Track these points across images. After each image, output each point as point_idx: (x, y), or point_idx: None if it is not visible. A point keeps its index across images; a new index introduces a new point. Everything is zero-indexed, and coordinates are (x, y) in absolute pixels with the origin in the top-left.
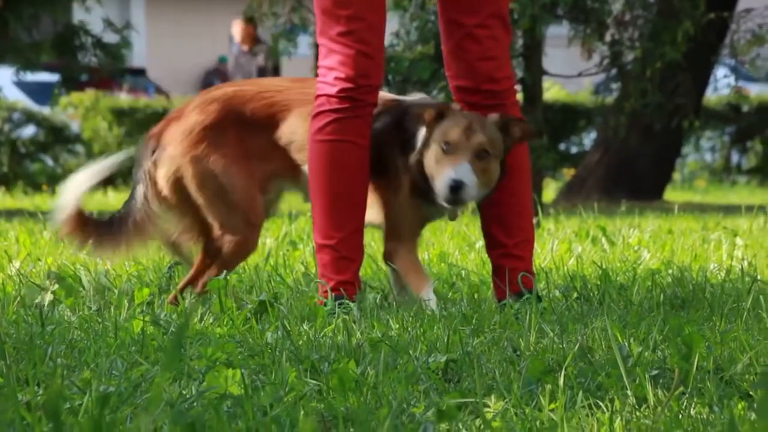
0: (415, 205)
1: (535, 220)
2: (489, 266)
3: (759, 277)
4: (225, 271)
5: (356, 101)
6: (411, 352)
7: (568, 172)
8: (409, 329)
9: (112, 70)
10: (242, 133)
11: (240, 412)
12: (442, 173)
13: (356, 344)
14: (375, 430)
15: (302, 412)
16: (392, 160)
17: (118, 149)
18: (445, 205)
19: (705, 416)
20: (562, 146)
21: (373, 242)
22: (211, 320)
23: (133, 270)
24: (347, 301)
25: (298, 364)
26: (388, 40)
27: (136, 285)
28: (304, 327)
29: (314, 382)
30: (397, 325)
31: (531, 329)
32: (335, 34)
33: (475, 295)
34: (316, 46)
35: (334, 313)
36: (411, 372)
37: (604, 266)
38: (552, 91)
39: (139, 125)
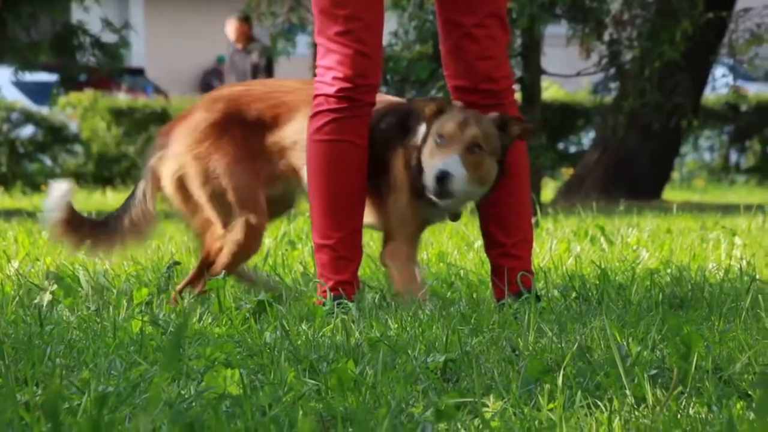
0: (415, 206)
1: (533, 220)
2: (488, 266)
3: (758, 277)
4: (224, 272)
5: (354, 101)
6: (410, 351)
7: (566, 172)
8: (408, 329)
9: (111, 70)
10: (248, 133)
11: (239, 412)
12: (431, 165)
13: (355, 344)
14: (374, 430)
15: (301, 412)
16: (392, 159)
17: (116, 149)
18: (434, 198)
19: (704, 416)
20: (560, 146)
21: (372, 242)
22: (209, 320)
23: (131, 270)
24: (346, 301)
25: (296, 364)
26: (386, 39)
27: (135, 285)
28: (303, 327)
29: (313, 381)
30: (396, 325)
31: (530, 329)
32: (333, 34)
33: (474, 295)
34: (315, 45)
35: (333, 313)
36: (410, 372)
37: (602, 266)
38: (550, 91)
39: (138, 125)
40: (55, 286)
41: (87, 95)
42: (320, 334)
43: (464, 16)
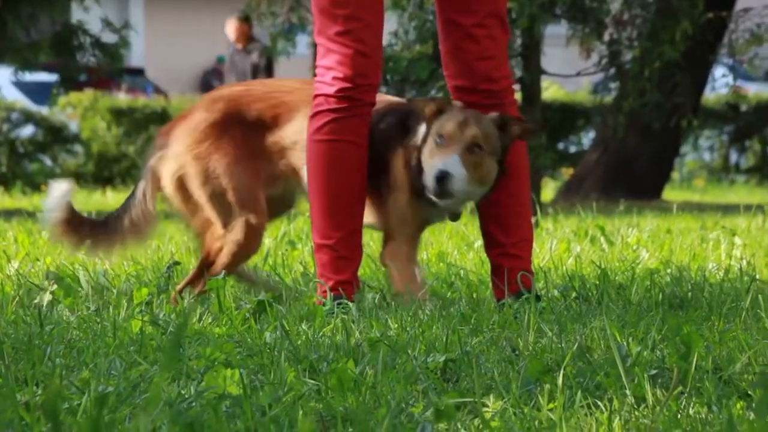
0: (415, 206)
1: (533, 220)
2: (488, 266)
3: (757, 277)
4: (224, 272)
5: (354, 101)
6: (410, 351)
7: (566, 172)
8: (408, 329)
9: (111, 69)
10: (248, 133)
11: (239, 412)
12: (431, 165)
13: (355, 344)
14: (373, 430)
15: (301, 412)
16: (392, 159)
17: (116, 149)
18: (434, 198)
19: (704, 416)
20: (560, 146)
21: (372, 242)
22: (209, 320)
23: (131, 270)
24: (346, 301)
25: (296, 364)
26: (386, 39)
27: (135, 285)
28: (303, 327)
29: (313, 381)
30: (396, 325)
31: (530, 329)
32: (333, 34)
33: (474, 295)
34: (315, 45)
35: (333, 313)
36: (410, 372)
37: (602, 266)
38: (550, 91)
39: (138, 125)
40: (55, 286)
41: (87, 95)
42: (320, 334)
43: (464, 16)
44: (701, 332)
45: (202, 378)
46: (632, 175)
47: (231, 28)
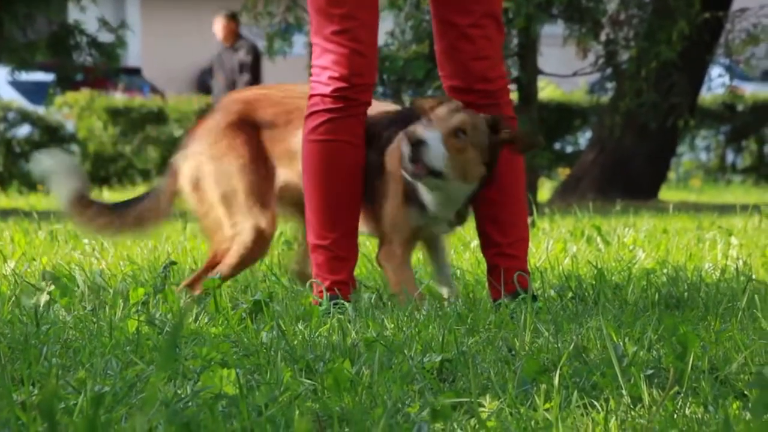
0: (406, 211)
1: (529, 220)
2: (484, 266)
3: (754, 277)
4: (225, 273)
5: (350, 101)
6: (406, 351)
7: (563, 172)
8: (404, 329)
9: (107, 69)
10: (262, 136)
11: (235, 411)
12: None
13: (351, 344)
14: (370, 430)
15: (297, 412)
16: (387, 162)
17: (113, 149)
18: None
19: (700, 416)
20: (557, 145)
21: (368, 242)
22: (206, 320)
23: (128, 270)
24: (342, 301)
25: (293, 364)
26: (382, 39)
27: (131, 285)
28: (299, 327)
29: (309, 381)
30: (392, 325)
31: (526, 329)
32: (329, 33)
33: (470, 295)
34: (311, 45)
35: (329, 313)
36: (406, 372)
37: (599, 266)
38: (547, 91)
39: (134, 125)
40: (52, 286)
41: (83, 95)
42: (317, 334)
43: (459, 17)
44: (697, 332)
45: (198, 378)
46: (629, 175)
47: (218, 26)
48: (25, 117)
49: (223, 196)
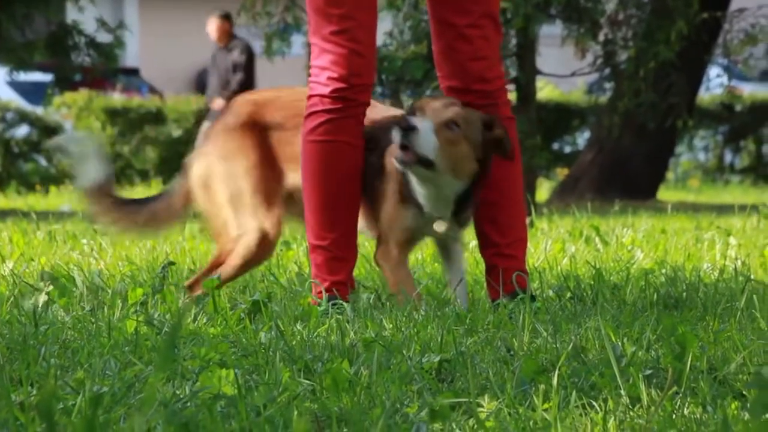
0: (403, 212)
1: (528, 220)
2: (482, 266)
3: (752, 277)
4: (228, 274)
5: (349, 101)
6: (404, 352)
7: (561, 172)
8: (403, 329)
9: (106, 69)
10: (271, 139)
11: (233, 412)
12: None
13: (350, 344)
14: (368, 430)
15: (296, 412)
16: (385, 164)
17: (111, 149)
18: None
19: (698, 416)
20: (555, 146)
21: (367, 242)
22: (204, 320)
23: (126, 270)
24: (341, 302)
25: (291, 364)
26: (381, 39)
27: (130, 285)
28: (298, 327)
29: (308, 382)
30: (391, 325)
31: (524, 329)
32: (328, 33)
33: (469, 295)
34: (310, 45)
35: (328, 314)
36: (404, 372)
37: (597, 266)
38: (545, 91)
39: (132, 125)
40: (50, 287)
41: (82, 95)
42: (315, 335)
43: (457, 17)
44: (696, 332)
45: (197, 378)
46: (627, 175)
47: (212, 26)
48: (23, 117)
49: (231, 196)
